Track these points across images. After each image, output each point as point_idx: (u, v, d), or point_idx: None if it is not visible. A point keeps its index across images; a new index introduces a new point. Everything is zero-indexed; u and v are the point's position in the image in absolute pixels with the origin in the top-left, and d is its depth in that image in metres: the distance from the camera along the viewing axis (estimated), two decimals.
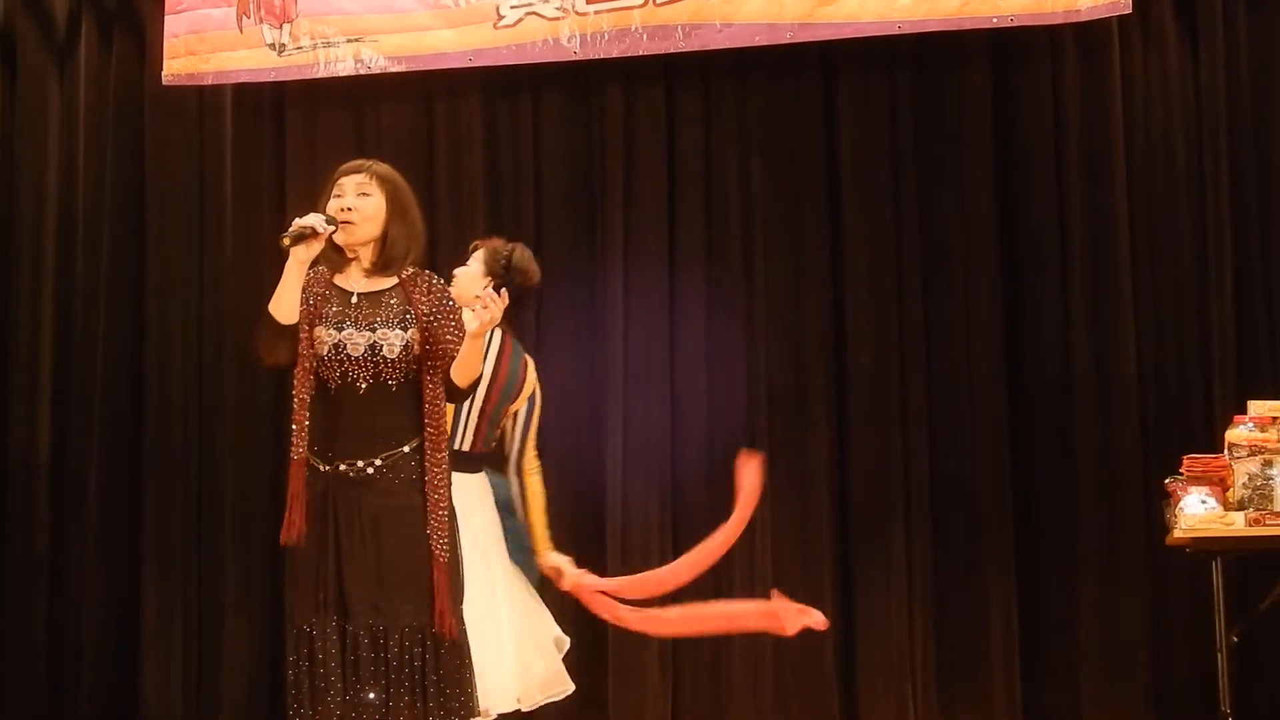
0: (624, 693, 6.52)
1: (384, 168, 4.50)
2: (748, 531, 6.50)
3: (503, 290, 4.37)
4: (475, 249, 5.39)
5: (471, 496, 5.04)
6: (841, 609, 6.46)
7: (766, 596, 6.46)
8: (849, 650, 6.46)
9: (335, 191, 4.43)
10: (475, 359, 4.32)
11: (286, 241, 4.32)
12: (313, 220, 4.33)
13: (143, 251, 7.08)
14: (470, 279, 5.29)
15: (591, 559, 6.60)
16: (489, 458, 5.23)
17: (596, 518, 6.63)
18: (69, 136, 7.27)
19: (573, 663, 6.54)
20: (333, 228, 4.34)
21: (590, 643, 6.59)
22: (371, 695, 4.26)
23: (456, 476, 4.64)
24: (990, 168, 6.53)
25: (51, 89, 7.31)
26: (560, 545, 6.61)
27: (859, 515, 6.50)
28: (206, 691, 6.83)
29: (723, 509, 6.55)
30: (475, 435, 5.17)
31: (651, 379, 6.67)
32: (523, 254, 5.33)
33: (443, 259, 6.65)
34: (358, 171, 4.45)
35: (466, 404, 5.07)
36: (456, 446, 5.09)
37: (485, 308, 4.21)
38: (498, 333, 5.12)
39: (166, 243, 7.09)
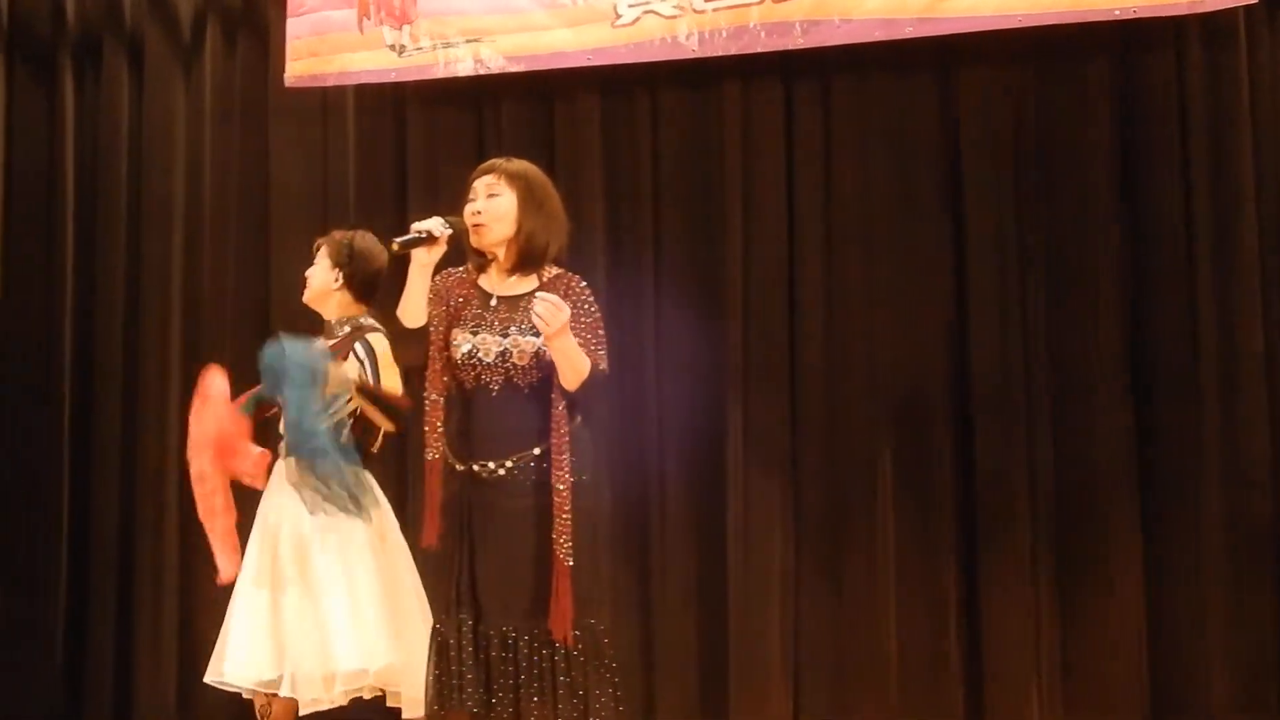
0: (745, 693, 6.51)
1: (516, 165, 4.52)
2: (869, 530, 6.51)
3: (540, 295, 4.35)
4: (319, 246, 5.40)
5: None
6: (966, 608, 6.41)
7: (889, 596, 6.47)
8: (974, 649, 6.40)
9: (469, 195, 4.47)
10: (565, 363, 4.31)
11: (396, 247, 4.37)
12: (429, 224, 4.36)
13: (268, 252, 7.16)
14: (320, 275, 5.34)
15: (712, 556, 6.64)
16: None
17: (718, 517, 6.63)
18: (195, 138, 7.38)
19: (693, 662, 6.60)
20: (450, 231, 4.36)
21: (711, 642, 6.61)
22: (501, 695, 4.30)
23: None
24: (1113, 161, 6.42)
25: (177, 91, 7.43)
26: (679, 540, 6.67)
27: (983, 511, 6.43)
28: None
29: (845, 506, 6.57)
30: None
31: (772, 375, 6.65)
32: (364, 239, 5.36)
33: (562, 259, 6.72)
34: (489, 172, 4.49)
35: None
36: None
37: (540, 317, 4.21)
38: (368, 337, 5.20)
39: (290, 243, 7.17)
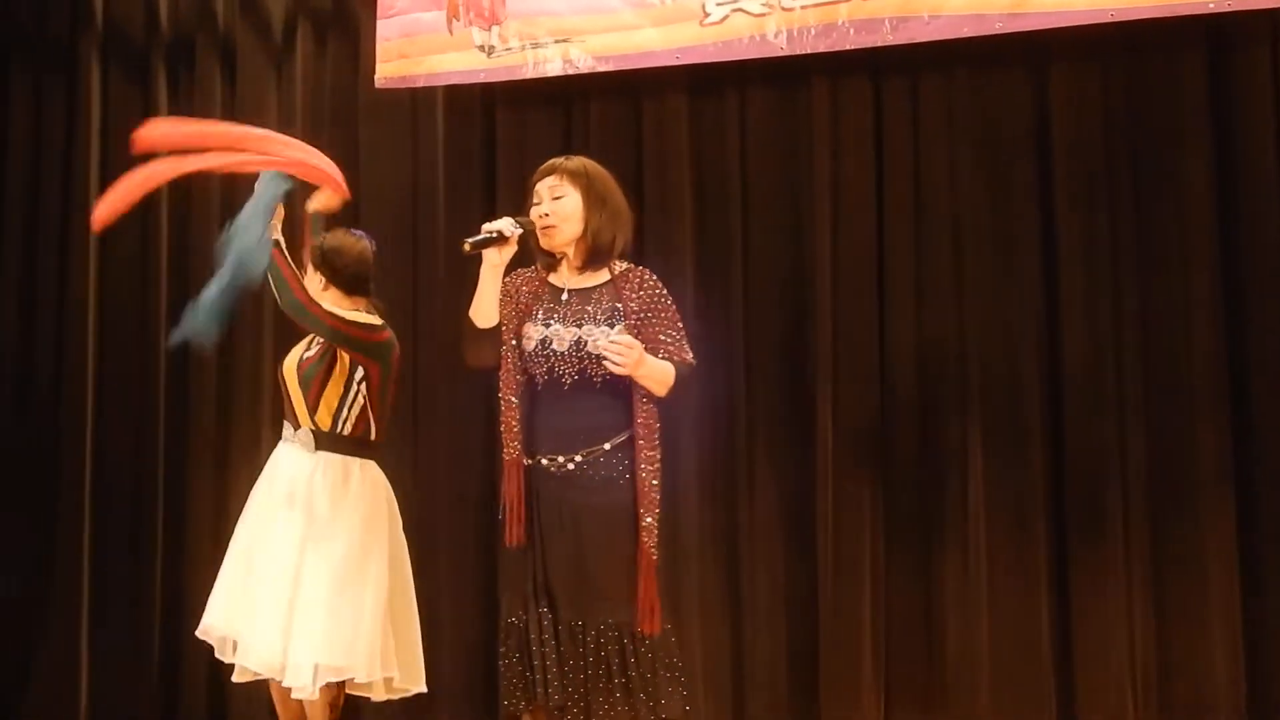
0: (835, 692, 6.49)
1: (576, 163, 4.54)
2: (960, 527, 6.47)
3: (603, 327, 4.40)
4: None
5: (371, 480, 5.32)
6: (1058, 606, 6.36)
7: (981, 594, 6.43)
8: (1067, 648, 6.35)
9: (534, 198, 4.50)
10: (652, 383, 4.36)
11: (467, 247, 4.39)
12: (500, 224, 4.40)
13: None
14: (310, 283, 5.46)
15: (801, 554, 6.62)
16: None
17: (807, 513, 6.61)
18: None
19: (783, 661, 6.59)
20: (520, 231, 4.39)
21: (800, 641, 6.59)
22: (571, 689, 4.32)
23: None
24: (1207, 157, 6.35)
25: (269, 93, 7.51)
26: (768, 538, 6.65)
27: (1075, 508, 6.37)
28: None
29: (936, 503, 6.53)
30: (377, 425, 5.35)
31: (861, 371, 6.62)
32: (333, 238, 5.49)
33: (650, 255, 6.72)
34: (550, 174, 4.52)
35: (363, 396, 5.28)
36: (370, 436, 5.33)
37: (617, 365, 4.25)
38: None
39: (381, 242, 7.20)
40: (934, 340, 6.60)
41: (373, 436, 5.33)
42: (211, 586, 6.69)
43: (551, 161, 4.59)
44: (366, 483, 5.28)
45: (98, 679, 7.30)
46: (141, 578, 7.32)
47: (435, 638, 6.72)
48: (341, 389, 5.28)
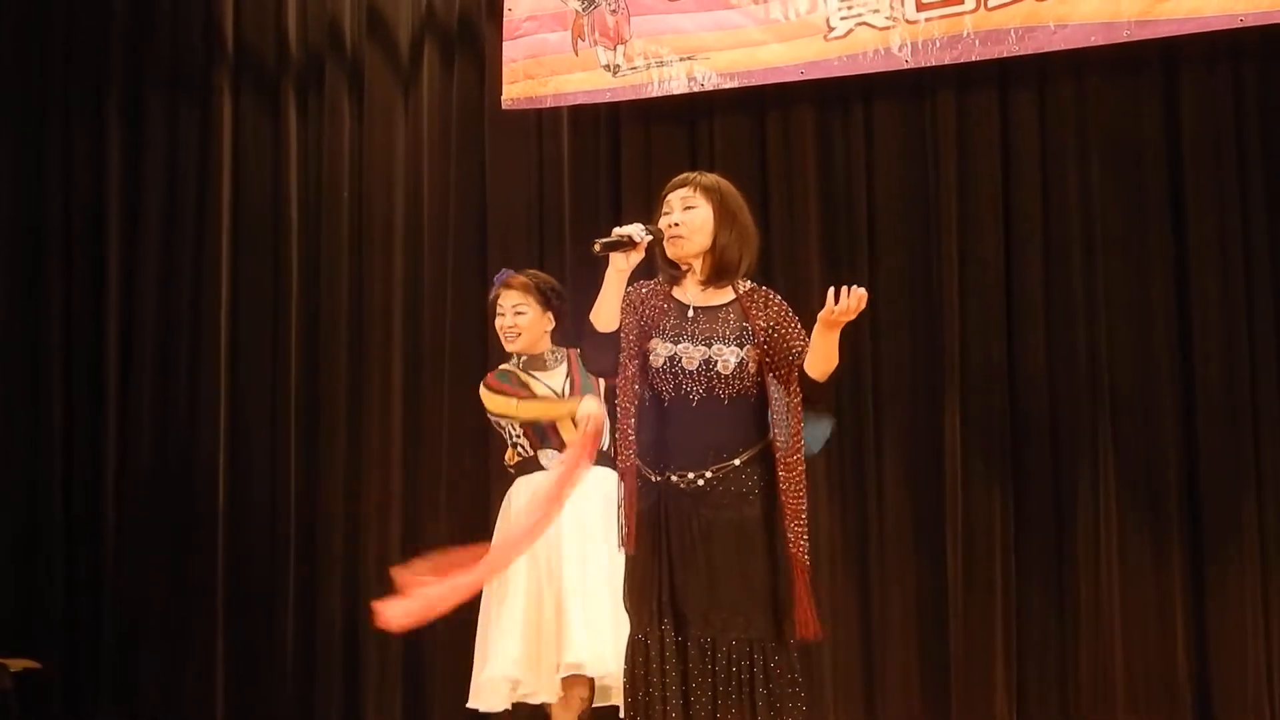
0: (967, 704, 6.45)
1: (710, 178, 4.55)
2: (1092, 535, 6.42)
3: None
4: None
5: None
6: (1193, 614, 6.30)
7: (1114, 603, 6.37)
8: (1202, 657, 6.28)
9: (664, 209, 4.52)
10: (833, 352, 4.34)
11: (597, 248, 4.41)
12: (630, 229, 4.41)
13: (485, 270, 7.25)
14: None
15: (931, 568, 6.59)
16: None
17: (935, 527, 6.59)
18: (414, 159, 7.54)
19: (914, 667, 6.56)
20: (650, 238, 4.41)
21: (932, 653, 6.56)
22: (698, 707, 4.33)
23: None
24: None
25: (397, 114, 7.59)
26: (898, 549, 6.63)
27: (1210, 518, 6.32)
28: None
29: (1067, 511, 6.48)
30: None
31: (991, 384, 6.60)
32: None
33: (777, 270, 6.73)
34: (683, 186, 4.52)
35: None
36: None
37: (848, 310, 4.25)
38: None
39: (508, 259, 7.26)
40: (1064, 349, 6.56)
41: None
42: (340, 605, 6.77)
43: (685, 175, 4.60)
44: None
45: (233, 681, 7.43)
46: (276, 583, 7.43)
47: None
48: None
